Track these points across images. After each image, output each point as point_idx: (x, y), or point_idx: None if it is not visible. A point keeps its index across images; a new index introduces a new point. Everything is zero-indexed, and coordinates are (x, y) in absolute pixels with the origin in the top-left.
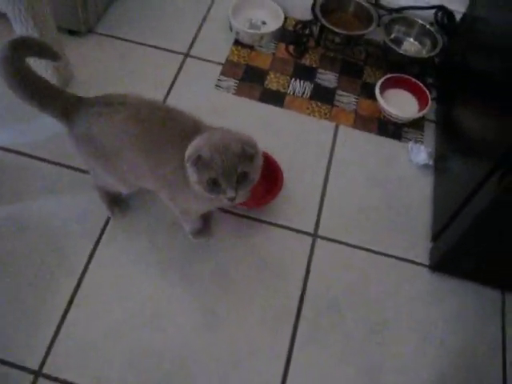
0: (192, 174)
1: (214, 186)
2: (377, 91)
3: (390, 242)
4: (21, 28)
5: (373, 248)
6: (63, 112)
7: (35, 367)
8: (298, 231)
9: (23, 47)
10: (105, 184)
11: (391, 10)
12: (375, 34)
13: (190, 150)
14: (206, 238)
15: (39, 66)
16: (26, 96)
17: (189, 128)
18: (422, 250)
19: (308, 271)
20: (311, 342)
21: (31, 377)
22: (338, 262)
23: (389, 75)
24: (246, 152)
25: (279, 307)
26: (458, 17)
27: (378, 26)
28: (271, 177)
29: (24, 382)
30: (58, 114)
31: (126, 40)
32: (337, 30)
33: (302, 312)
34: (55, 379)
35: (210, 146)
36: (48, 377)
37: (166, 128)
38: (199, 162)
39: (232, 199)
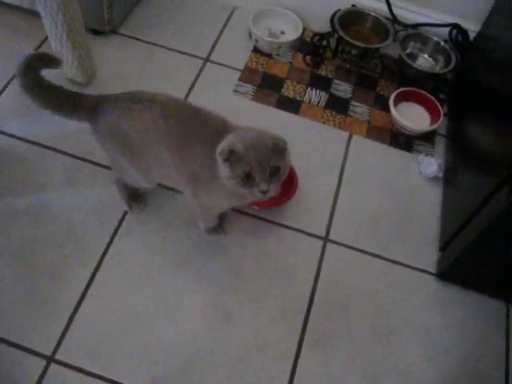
0: (224, 169)
1: (247, 179)
2: (391, 103)
3: (399, 249)
4: (50, 23)
5: (382, 255)
6: (87, 115)
7: (48, 353)
8: (309, 234)
9: (35, 61)
10: (127, 179)
11: (407, 26)
12: (391, 48)
13: (222, 146)
14: (219, 236)
15: (65, 64)
16: (50, 107)
17: (217, 127)
18: (430, 258)
19: (318, 274)
20: (319, 343)
21: (44, 362)
22: (348, 266)
23: (402, 89)
24: (277, 146)
25: (289, 307)
26: (471, 35)
27: (394, 40)
28: (286, 180)
29: (37, 366)
30: (84, 118)
31: (148, 42)
32: (354, 42)
33: (311, 313)
34: (67, 365)
35: (243, 141)
36: (60, 363)
37: (194, 126)
38: (232, 156)
39: (265, 192)
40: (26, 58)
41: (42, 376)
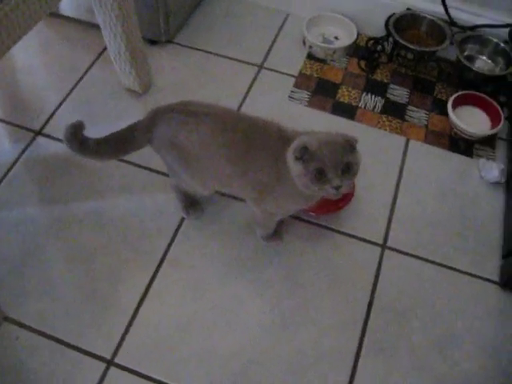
0: (297, 168)
1: (320, 176)
2: (449, 107)
3: (460, 257)
4: (109, 35)
5: (442, 262)
6: (146, 138)
7: (108, 356)
8: (366, 241)
9: (72, 130)
10: (184, 186)
11: (465, 28)
12: (448, 51)
13: (295, 145)
14: (276, 242)
15: (123, 73)
16: (114, 156)
17: (275, 134)
18: (492, 266)
19: (376, 281)
20: (377, 352)
21: (103, 365)
22: (407, 274)
23: (461, 92)
24: (349, 143)
25: (347, 315)
26: None
27: (451, 43)
28: None
29: (97, 369)
30: (146, 143)
31: (203, 50)
32: (410, 45)
33: (369, 321)
34: (126, 369)
35: (315, 139)
36: (120, 366)
37: (253, 137)
38: (305, 154)
39: (338, 188)
40: (66, 130)
41: (101, 379)
